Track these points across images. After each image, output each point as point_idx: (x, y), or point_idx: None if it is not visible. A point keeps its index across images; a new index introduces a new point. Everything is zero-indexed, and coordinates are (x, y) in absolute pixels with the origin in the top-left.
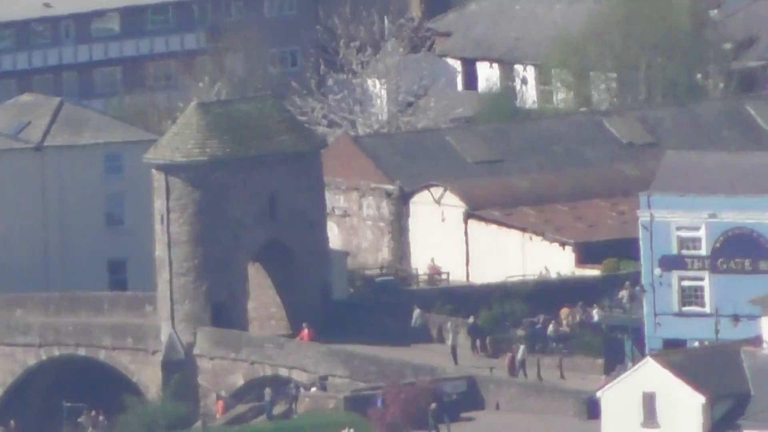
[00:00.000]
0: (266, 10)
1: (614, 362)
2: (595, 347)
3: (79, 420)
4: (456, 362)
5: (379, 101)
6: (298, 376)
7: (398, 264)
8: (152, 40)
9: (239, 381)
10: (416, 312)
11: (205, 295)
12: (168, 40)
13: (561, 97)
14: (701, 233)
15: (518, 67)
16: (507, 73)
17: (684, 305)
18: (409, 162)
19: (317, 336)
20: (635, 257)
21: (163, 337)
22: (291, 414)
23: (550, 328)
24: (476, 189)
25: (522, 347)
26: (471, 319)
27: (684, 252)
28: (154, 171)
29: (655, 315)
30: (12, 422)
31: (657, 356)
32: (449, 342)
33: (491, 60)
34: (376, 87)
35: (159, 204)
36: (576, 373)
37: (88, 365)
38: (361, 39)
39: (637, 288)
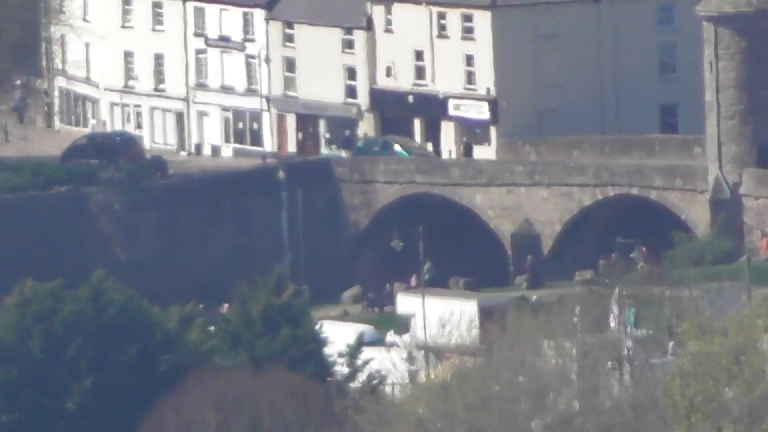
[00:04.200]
0: None
1: None
2: None
3: (631, 255)
4: None
5: None
6: None
7: None
8: None
9: None
10: None
11: (750, 138)
12: None
13: None
14: None
15: None
16: None
17: None
18: None
19: None
20: None
21: (710, 178)
22: None
23: None
24: None
25: None
26: None
27: None
28: (704, 22)
29: None
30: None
31: None
32: None
33: None
34: None
35: (708, 53)
36: None
37: (640, 204)
38: None
39: None
